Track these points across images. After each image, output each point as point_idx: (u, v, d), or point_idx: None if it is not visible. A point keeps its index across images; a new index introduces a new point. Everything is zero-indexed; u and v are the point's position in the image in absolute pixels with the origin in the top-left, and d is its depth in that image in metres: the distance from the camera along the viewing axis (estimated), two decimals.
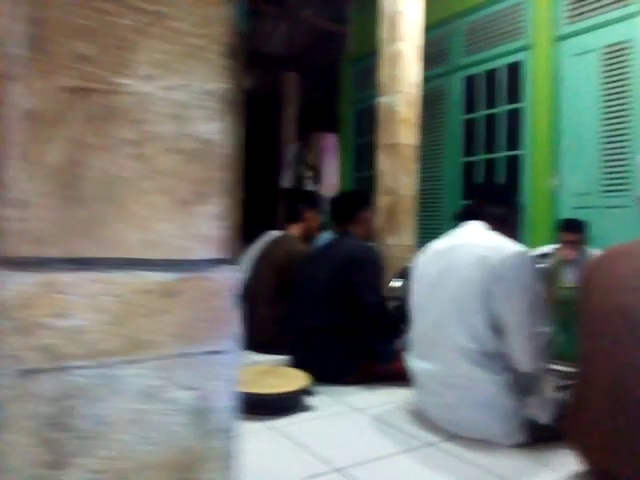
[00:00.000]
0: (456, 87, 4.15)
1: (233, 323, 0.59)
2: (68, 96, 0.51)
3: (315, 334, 2.01)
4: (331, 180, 6.18)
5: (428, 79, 3.72)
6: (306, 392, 1.73)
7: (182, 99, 0.56)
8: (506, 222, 1.60)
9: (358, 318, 1.99)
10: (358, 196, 2.45)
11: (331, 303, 2.01)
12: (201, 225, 0.57)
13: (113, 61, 0.53)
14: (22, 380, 0.47)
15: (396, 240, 3.06)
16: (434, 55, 4.13)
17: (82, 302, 0.50)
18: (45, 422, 0.48)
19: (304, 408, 1.70)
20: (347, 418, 1.66)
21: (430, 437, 1.50)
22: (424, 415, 1.61)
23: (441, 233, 1.70)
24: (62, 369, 0.49)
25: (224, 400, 0.57)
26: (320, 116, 6.27)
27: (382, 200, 3.15)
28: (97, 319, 0.51)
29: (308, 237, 2.80)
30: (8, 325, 0.46)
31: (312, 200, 3.03)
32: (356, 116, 5.25)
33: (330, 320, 2.00)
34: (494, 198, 1.68)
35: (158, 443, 0.53)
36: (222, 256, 0.59)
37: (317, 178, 6.41)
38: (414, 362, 1.61)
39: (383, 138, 3.17)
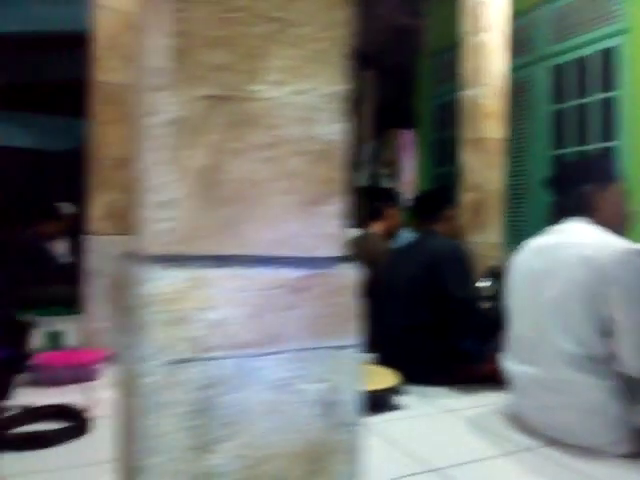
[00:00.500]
0: (543, 77, 3.96)
1: (356, 319, 0.60)
2: (208, 104, 0.54)
3: (402, 333, 2.00)
4: (408, 177, 6.10)
5: (512, 69, 3.58)
6: (395, 391, 1.72)
7: (308, 102, 0.58)
8: (604, 206, 1.47)
9: (447, 316, 1.96)
10: (442, 194, 2.40)
11: (417, 301, 2.00)
12: (325, 224, 0.59)
13: (247, 69, 0.56)
14: (171, 369, 0.51)
15: (482, 238, 2.97)
16: (519, 44, 3.96)
17: (224, 296, 0.53)
18: (191, 409, 0.51)
19: (394, 407, 1.70)
20: (439, 419, 1.64)
21: (528, 441, 1.45)
22: (521, 419, 1.55)
23: (529, 230, 1.64)
24: (207, 359, 0.52)
25: (350, 394, 0.58)
26: (397, 113, 6.21)
27: (467, 196, 3.07)
28: (237, 313, 0.54)
29: (389, 235, 2.79)
30: (160, 318, 0.50)
31: (391, 197, 3.02)
32: (434, 111, 5.14)
33: (417, 319, 1.98)
34: (583, 176, 1.55)
35: (290, 433, 0.56)
36: (342, 254, 0.61)
37: (394, 175, 6.36)
38: (511, 365, 1.56)
39: (467, 132, 3.09)
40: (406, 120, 5.92)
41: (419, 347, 1.95)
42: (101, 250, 2.26)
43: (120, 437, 0.61)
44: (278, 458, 0.56)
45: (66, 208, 4.24)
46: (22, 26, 4.51)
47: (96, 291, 2.24)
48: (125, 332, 0.56)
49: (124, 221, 2.33)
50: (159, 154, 0.53)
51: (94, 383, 1.74)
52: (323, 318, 0.57)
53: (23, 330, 2.76)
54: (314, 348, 0.56)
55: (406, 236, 2.55)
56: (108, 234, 2.29)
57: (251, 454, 0.54)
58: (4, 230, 3.83)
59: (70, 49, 5.03)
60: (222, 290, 0.53)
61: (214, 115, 0.54)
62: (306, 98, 0.58)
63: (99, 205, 2.27)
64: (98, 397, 1.68)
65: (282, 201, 0.57)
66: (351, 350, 0.59)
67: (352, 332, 0.59)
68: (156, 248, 0.51)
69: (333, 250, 0.60)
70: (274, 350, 0.54)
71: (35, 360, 1.97)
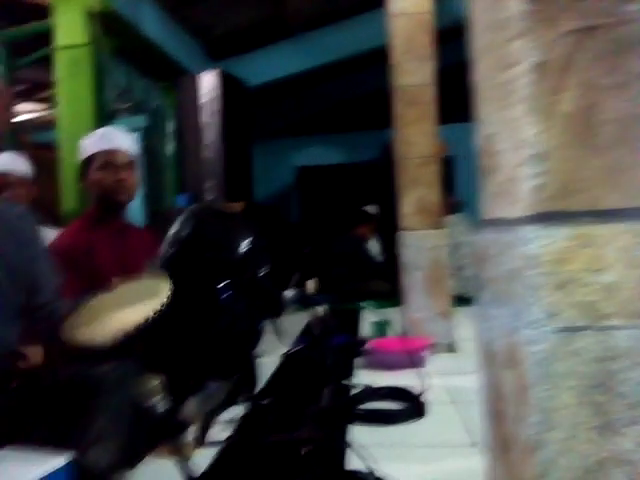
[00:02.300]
0: None
1: None
2: (574, 39, 0.48)
3: None
4: None
5: None
6: None
7: None
8: None
9: None
10: None
11: None
12: None
13: None
14: (563, 337, 0.46)
15: None
16: None
17: (613, 256, 0.45)
18: (590, 383, 0.45)
19: None
20: None
21: None
22: None
23: None
24: (600, 328, 0.45)
25: None
26: None
27: None
28: (630, 275, 0.45)
29: None
30: (544, 281, 0.46)
31: None
32: None
33: None
34: None
35: None
36: None
37: None
38: None
39: None
40: None
41: None
42: (414, 244, 2.37)
43: (491, 412, 0.59)
44: None
45: (373, 210, 4.66)
46: (326, 57, 5.17)
47: (413, 283, 2.36)
48: (495, 302, 0.54)
49: (433, 216, 2.40)
50: (521, 107, 0.49)
51: (423, 369, 1.81)
52: None
53: (355, 319, 3.12)
54: None
55: None
56: (419, 229, 2.39)
57: None
58: (331, 237, 4.44)
59: (372, 65, 5.56)
60: (610, 249, 0.45)
61: (581, 50, 0.47)
62: None
63: (409, 202, 2.39)
64: (429, 383, 1.75)
65: None
66: None
67: None
68: (530, 207, 0.47)
69: None
70: None
71: (369, 346, 2.19)
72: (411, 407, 1.61)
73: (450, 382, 1.91)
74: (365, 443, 1.25)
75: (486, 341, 0.57)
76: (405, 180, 2.39)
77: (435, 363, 2.16)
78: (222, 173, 3.82)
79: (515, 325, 0.48)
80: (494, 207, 0.56)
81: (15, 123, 4.07)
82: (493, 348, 0.55)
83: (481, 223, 0.59)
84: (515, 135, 0.50)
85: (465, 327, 2.72)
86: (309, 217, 6.58)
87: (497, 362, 0.54)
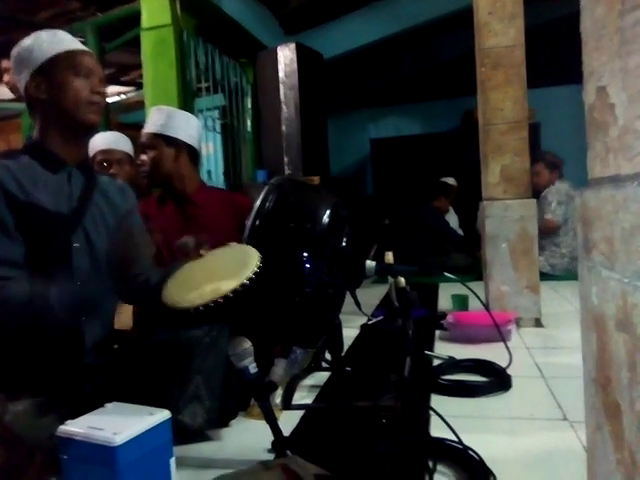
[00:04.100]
0: None
1: None
2: None
3: None
4: None
5: None
6: None
7: None
8: None
9: None
10: None
11: None
12: None
13: None
14: None
15: None
16: None
17: None
18: None
19: None
20: None
21: None
22: None
23: None
24: None
25: None
26: None
27: None
28: None
29: None
30: None
31: None
32: None
33: None
34: None
35: None
36: None
37: None
38: None
39: None
40: None
41: None
42: (499, 215, 2.29)
43: (596, 380, 0.56)
44: None
45: (451, 182, 4.53)
46: (401, 25, 5.02)
47: (497, 255, 2.29)
48: (607, 264, 0.51)
49: (520, 184, 2.29)
50: None
51: (507, 343, 1.77)
52: None
53: (435, 291, 3.08)
54: None
55: None
56: (504, 199, 2.30)
57: None
58: (409, 208, 4.37)
59: (449, 31, 5.34)
60: None
61: None
62: None
63: (493, 171, 2.30)
64: (513, 357, 1.70)
65: None
66: None
67: None
68: None
69: None
70: None
71: (449, 319, 2.16)
72: (496, 380, 1.58)
73: (538, 357, 1.85)
74: (447, 413, 1.25)
75: (594, 305, 0.54)
76: (489, 148, 2.29)
77: (521, 337, 2.09)
78: (299, 147, 3.86)
79: (631, 286, 0.45)
80: (606, 165, 0.52)
81: (106, 104, 4.32)
82: (603, 312, 0.52)
83: (589, 182, 0.56)
84: (633, 86, 0.47)
85: (552, 301, 2.62)
86: (385, 190, 6.51)
87: (607, 327, 0.51)
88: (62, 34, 1.41)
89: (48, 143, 1.35)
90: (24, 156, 1.33)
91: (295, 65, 3.82)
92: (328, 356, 1.75)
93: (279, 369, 1.45)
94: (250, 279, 1.09)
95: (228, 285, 1.09)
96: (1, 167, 1.26)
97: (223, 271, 1.22)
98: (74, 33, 4.39)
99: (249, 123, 4.59)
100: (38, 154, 1.34)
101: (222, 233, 1.53)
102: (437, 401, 1.48)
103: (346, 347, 1.88)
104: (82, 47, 1.41)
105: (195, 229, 1.57)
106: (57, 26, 4.24)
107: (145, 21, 3.55)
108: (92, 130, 1.42)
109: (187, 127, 2.00)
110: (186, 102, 3.59)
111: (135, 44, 3.75)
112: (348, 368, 1.70)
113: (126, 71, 5.83)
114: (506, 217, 2.25)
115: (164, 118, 1.98)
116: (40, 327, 1.24)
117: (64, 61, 1.33)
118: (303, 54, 3.89)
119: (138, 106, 5.27)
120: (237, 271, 1.14)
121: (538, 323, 2.25)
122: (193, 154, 2.03)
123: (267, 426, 1.15)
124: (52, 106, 1.33)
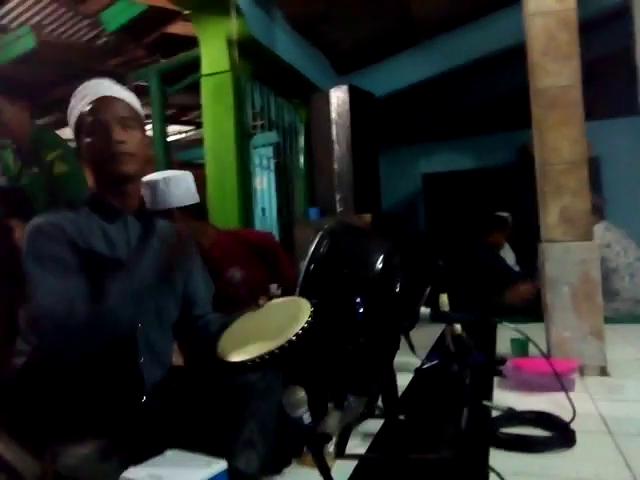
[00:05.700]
0: None
1: None
2: None
3: None
4: None
5: None
6: None
7: None
8: None
9: None
10: None
11: None
12: None
13: None
14: None
15: None
16: None
17: None
18: None
19: None
20: None
21: None
22: None
23: None
24: None
25: None
26: None
27: None
28: None
29: None
30: None
31: None
32: None
33: None
34: None
35: None
36: None
37: None
38: None
39: None
40: None
41: None
42: (559, 257, 2.21)
43: None
44: None
45: (506, 216, 4.41)
46: (452, 62, 5.03)
47: (559, 299, 2.20)
48: None
49: (581, 226, 2.21)
50: None
51: (569, 394, 1.68)
52: None
53: (492, 335, 2.98)
54: None
55: None
56: (565, 240, 2.22)
57: None
58: (463, 245, 4.28)
59: (501, 66, 5.31)
60: None
61: None
62: None
63: (553, 212, 2.24)
64: (577, 409, 1.61)
65: None
66: None
67: None
68: None
69: None
70: None
71: (508, 365, 2.08)
72: (559, 435, 1.50)
73: (605, 409, 1.74)
74: (506, 470, 1.19)
75: None
76: (548, 188, 2.24)
77: (586, 387, 1.98)
78: (351, 185, 3.89)
79: None
80: None
81: (166, 142, 4.52)
82: None
83: None
84: None
85: (615, 347, 2.47)
86: (437, 225, 6.43)
87: None
88: (90, 86, 1.42)
89: (101, 194, 1.42)
90: (85, 208, 1.41)
91: (347, 106, 3.89)
92: (381, 402, 1.72)
93: (333, 420, 1.43)
94: (300, 333, 1.19)
95: (279, 340, 1.19)
96: (63, 217, 1.34)
97: (274, 325, 1.28)
98: (139, 78, 4.68)
99: (302, 161, 4.69)
100: (96, 205, 1.41)
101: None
102: (496, 456, 1.42)
103: (400, 391, 1.84)
104: (107, 93, 1.40)
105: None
106: (123, 73, 4.53)
107: (205, 67, 3.74)
108: (129, 179, 1.40)
109: (175, 190, 2.01)
110: (242, 142, 3.72)
111: (194, 87, 3.95)
112: (402, 416, 1.66)
113: (185, 112, 6.12)
114: (567, 260, 2.17)
115: (148, 195, 1.97)
116: (101, 366, 1.27)
117: (83, 119, 1.38)
118: (355, 95, 3.97)
119: (197, 144, 5.50)
120: (286, 326, 1.22)
121: (603, 372, 2.13)
122: (195, 207, 2.08)
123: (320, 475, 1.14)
124: (86, 162, 1.41)
